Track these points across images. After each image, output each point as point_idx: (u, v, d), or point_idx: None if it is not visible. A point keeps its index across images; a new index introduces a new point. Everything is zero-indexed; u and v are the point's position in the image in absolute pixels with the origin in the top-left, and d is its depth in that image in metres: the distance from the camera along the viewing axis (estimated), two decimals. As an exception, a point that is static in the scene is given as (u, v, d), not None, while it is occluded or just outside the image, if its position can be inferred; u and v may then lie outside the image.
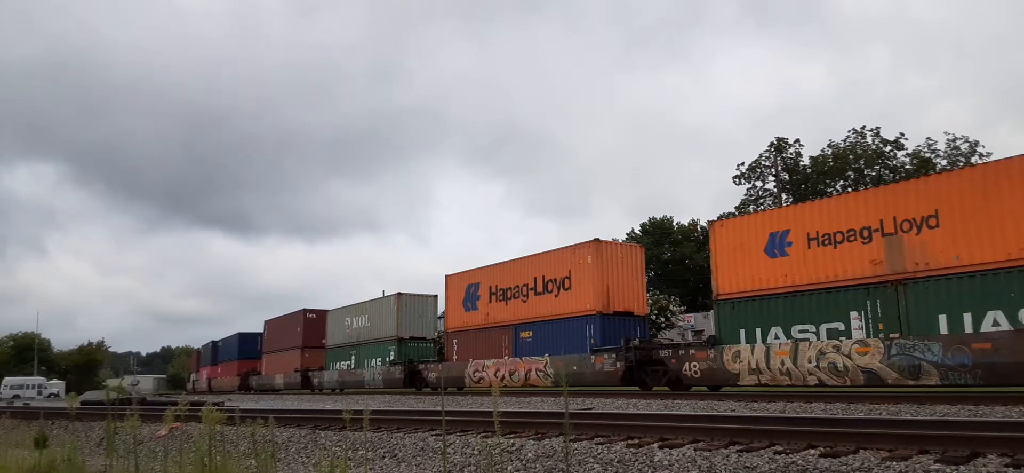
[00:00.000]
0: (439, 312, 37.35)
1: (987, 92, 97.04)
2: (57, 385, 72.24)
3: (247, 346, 57.61)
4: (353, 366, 39.32)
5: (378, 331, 37.59)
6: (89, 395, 37.58)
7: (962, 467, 6.17)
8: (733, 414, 11.47)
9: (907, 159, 54.48)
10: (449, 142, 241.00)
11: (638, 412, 13.09)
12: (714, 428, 8.89)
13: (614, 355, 24.24)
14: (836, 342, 18.58)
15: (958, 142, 52.90)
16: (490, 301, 30.10)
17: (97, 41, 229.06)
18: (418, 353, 36.06)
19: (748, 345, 20.44)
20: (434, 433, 11.16)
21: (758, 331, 20.41)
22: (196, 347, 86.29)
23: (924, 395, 15.44)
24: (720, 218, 54.08)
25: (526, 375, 27.53)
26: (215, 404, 10.47)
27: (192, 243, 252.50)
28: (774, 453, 7.47)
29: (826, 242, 19.29)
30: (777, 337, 19.94)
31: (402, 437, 11.24)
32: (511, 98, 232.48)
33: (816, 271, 19.38)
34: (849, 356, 18.15)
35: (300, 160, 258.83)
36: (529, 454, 8.94)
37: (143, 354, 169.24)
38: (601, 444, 8.90)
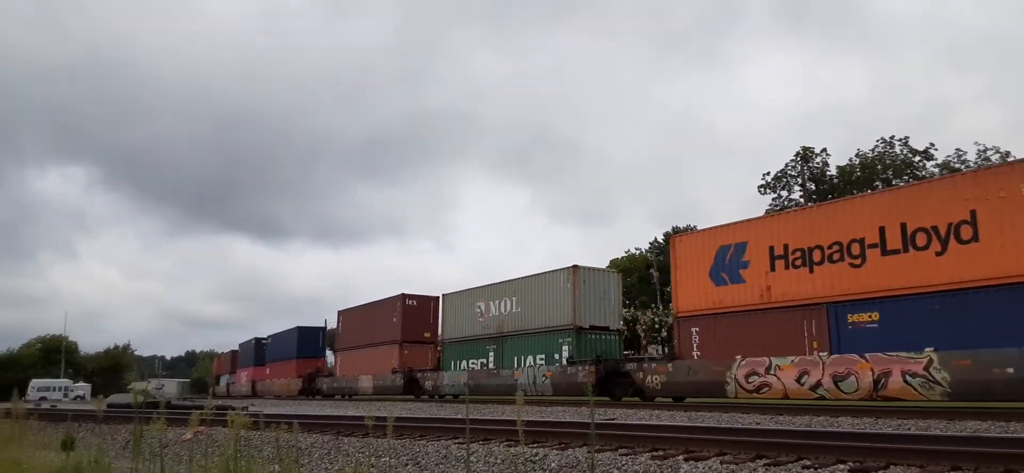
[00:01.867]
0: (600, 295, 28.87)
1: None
2: (83, 388, 73.10)
3: (308, 342, 51.19)
4: (492, 365, 30.70)
5: (537, 318, 28.85)
6: (115, 398, 38.06)
7: (997, 485, 6.04)
8: (759, 427, 11.33)
9: (937, 169, 53.77)
10: (476, 147, 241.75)
11: (662, 423, 12.99)
12: (740, 441, 8.78)
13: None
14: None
15: (989, 152, 52.16)
16: (771, 269, 20.52)
17: (130, 46, 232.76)
18: (603, 348, 27.61)
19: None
20: (457, 441, 11.13)
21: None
22: (219, 352, 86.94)
23: (953, 410, 15.19)
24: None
25: (879, 382, 17.27)
26: (241, 409, 10.53)
27: (218, 247, 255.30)
28: (802, 467, 7.36)
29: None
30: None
31: (425, 445, 11.23)
32: (540, 103, 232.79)
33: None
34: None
35: (329, 164, 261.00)
36: (553, 464, 8.88)
37: (168, 358, 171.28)
38: (625, 455, 8.82)
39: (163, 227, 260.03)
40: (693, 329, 22.24)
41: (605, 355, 26.75)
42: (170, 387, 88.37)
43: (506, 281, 31.30)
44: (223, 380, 73.80)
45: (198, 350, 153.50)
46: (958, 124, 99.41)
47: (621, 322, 29.11)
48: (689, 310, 22.48)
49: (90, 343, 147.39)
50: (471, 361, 32.16)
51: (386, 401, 34.45)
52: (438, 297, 37.76)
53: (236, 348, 70.42)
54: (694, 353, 22.06)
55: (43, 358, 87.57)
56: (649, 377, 23.18)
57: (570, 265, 28.09)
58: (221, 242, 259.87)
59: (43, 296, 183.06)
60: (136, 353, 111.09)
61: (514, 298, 30.38)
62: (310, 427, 14.06)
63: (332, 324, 50.30)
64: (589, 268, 28.59)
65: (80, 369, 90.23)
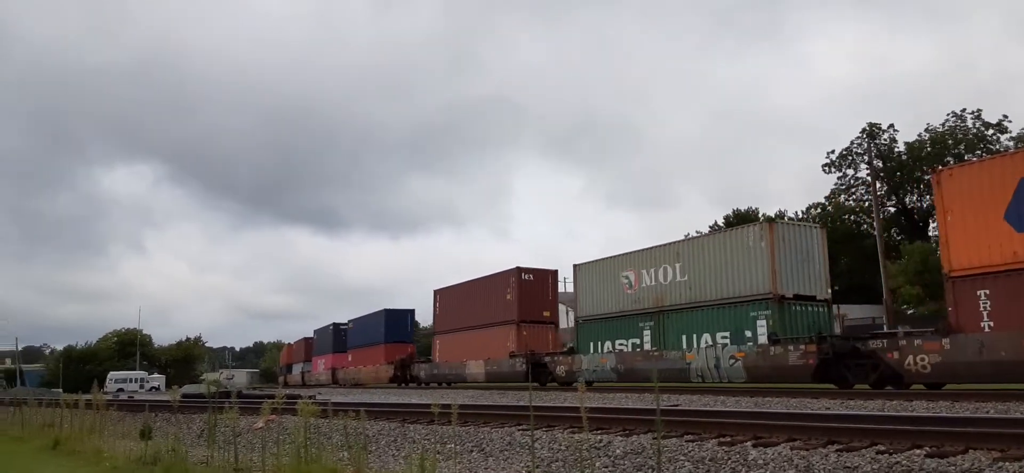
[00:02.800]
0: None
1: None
2: (158, 379, 75.72)
3: (397, 325, 48.15)
4: (649, 345, 25.64)
5: (715, 287, 23.76)
6: (187, 388, 39.33)
7: (1086, 470, 5.78)
8: (829, 412, 11.08)
9: (1011, 143, 51.62)
10: (527, 133, 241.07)
11: (728, 409, 12.81)
12: (810, 427, 8.59)
13: None
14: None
15: (1068, 123, 49.91)
16: None
17: (187, 45, 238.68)
18: (809, 321, 22.27)
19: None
20: (521, 428, 11.18)
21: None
22: (287, 342, 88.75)
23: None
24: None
25: None
26: (309, 397, 10.75)
27: (280, 240, 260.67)
28: (876, 453, 7.17)
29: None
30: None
31: (489, 431, 11.31)
32: (589, 87, 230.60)
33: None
34: None
35: (381, 154, 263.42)
36: (617, 450, 8.85)
37: (237, 349, 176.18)
38: (691, 441, 8.73)
39: (227, 221, 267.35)
40: (980, 292, 16.94)
41: (824, 331, 21.86)
42: (240, 377, 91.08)
43: (665, 245, 26.54)
44: (296, 369, 72.07)
45: (265, 341, 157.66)
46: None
47: (829, 290, 23.51)
48: (970, 267, 17.23)
49: (162, 336, 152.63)
50: (618, 342, 27.07)
51: (518, 390, 29.16)
52: (555, 271, 35.17)
53: (311, 335, 68.38)
54: (984, 324, 16.78)
55: (119, 351, 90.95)
56: (911, 357, 18.12)
57: (762, 220, 25.58)
58: (282, 234, 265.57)
59: (116, 290, 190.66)
60: (206, 345, 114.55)
61: (677, 265, 25.12)
62: (376, 415, 14.29)
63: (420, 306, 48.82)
64: (788, 222, 25.69)
65: (154, 361, 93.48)
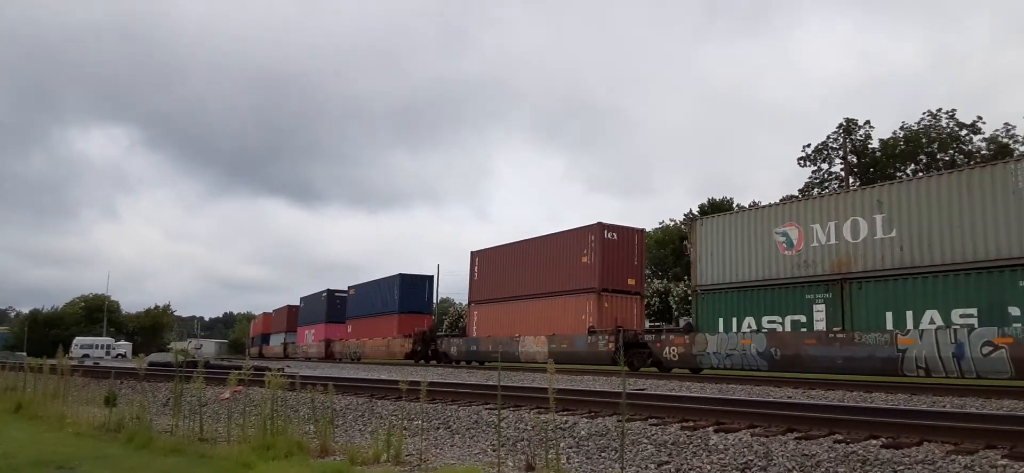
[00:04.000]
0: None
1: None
2: (124, 346, 75.04)
3: (413, 293, 42.47)
4: (824, 324, 19.66)
5: (944, 246, 17.62)
6: (155, 357, 39.03)
7: (1033, 465, 5.96)
8: (790, 400, 11.28)
9: (983, 144, 52.48)
10: (513, 114, 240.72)
11: (693, 395, 12.99)
12: (771, 414, 8.76)
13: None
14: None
15: (1038, 128, 50.70)
16: None
17: (171, 8, 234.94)
18: None
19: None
20: (488, 407, 11.26)
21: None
22: (256, 313, 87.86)
23: (990, 389, 14.93)
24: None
25: None
26: (278, 370, 10.74)
27: (256, 210, 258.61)
28: (834, 442, 7.33)
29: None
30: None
31: (457, 409, 11.38)
32: (579, 69, 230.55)
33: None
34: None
35: (365, 129, 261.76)
36: (582, 432, 8.96)
37: (206, 318, 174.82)
38: (655, 425, 8.86)
39: (203, 189, 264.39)
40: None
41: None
42: (208, 347, 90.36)
43: (857, 190, 22.14)
44: (275, 340, 67.18)
45: (235, 312, 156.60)
46: (1016, 96, 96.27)
47: None
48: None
49: (131, 303, 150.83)
50: (770, 319, 21.02)
51: (605, 374, 23.45)
52: (642, 230, 30.02)
53: (297, 303, 62.40)
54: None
55: (86, 316, 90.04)
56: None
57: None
58: (258, 205, 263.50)
59: (86, 255, 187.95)
60: (176, 313, 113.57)
61: (878, 217, 19.02)
62: (344, 389, 14.31)
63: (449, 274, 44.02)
64: None
65: (121, 328, 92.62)
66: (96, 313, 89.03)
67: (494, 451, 8.35)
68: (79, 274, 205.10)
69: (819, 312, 19.93)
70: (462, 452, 8.74)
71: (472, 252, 35.88)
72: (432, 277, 43.36)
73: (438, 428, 10.39)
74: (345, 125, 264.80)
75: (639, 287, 28.92)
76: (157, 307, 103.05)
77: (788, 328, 20.51)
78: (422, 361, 38.50)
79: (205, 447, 8.57)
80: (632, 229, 29.47)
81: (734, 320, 22.00)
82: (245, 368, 10.15)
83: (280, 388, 9.05)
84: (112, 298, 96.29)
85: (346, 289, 51.06)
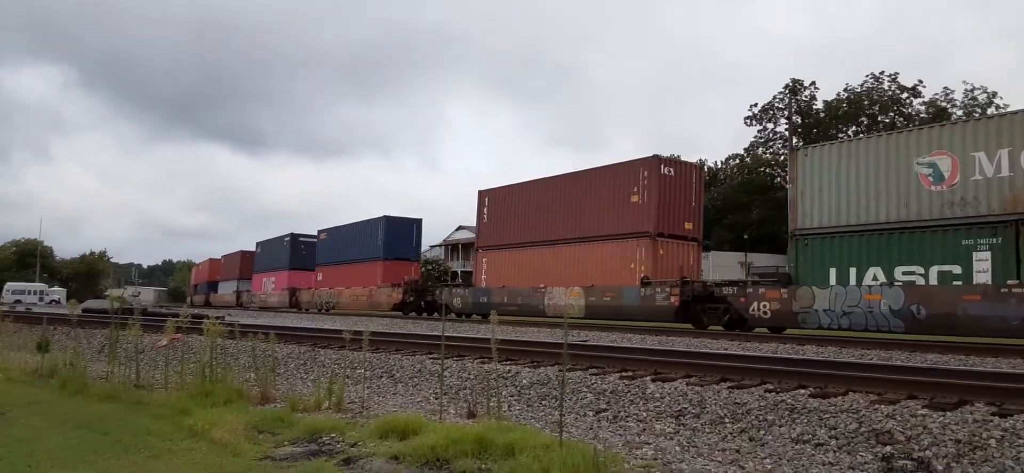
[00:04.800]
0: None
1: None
2: (58, 292, 72.97)
3: (398, 238, 38.25)
4: (988, 276, 15.80)
5: None
6: (90, 304, 38.10)
7: (949, 413, 6.27)
8: (726, 353, 11.61)
9: (923, 107, 53.97)
10: (467, 66, 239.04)
11: (633, 345, 13.26)
12: (706, 365, 9.01)
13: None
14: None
15: (976, 92, 52.31)
16: None
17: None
18: None
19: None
20: (432, 356, 11.32)
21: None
22: (196, 262, 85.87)
23: (915, 343, 15.55)
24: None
25: None
26: (217, 318, 10.61)
27: (198, 156, 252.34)
28: (765, 391, 7.59)
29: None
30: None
31: (400, 358, 11.41)
32: (537, 21, 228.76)
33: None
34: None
35: (316, 77, 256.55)
36: (524, 381, 9.09)
37: (145, 266, 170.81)
38: (595, 375, 9.03)
39: (142, 132, 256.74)
40: None
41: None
42: (147, 295, 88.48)
43: None
44: (225, 287, 62.21)
45: (175, 260, 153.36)
46: (964, 62, 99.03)
47: None
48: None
49: (66, 249, 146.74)
50: (906, 270, 17.15)
51: (678, 334, 19.56)
52: (700, 164, 26.56)
53: (251, 249, 57.50)
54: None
55: (17, 262, 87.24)
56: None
57: None
58: (200, 151, 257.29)
59: (18, 199, 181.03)
60: (112, 260, 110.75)
61: None
62: (286, 338, 14.21)
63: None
64: None
65: (55, 274, 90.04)
66: (28, 258, 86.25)
67: (437, 399, 8.43)
68: (10, 218, 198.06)
69: (982, 262, 15.99)
70: (405, 400, 8.79)
71: (480, 191, 31.63)
72: (420, 220, 39.47)
73: (381, 377, 10.42)
74: (294, 70, 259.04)
75: (697, 232, 24.91)
76: (93, 253, 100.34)
77: (934, 281, 16.55)
78: (413, 314, 34.83)
79: (142, 394, 8.45)
80: (689, 164, 26.08)
81: (852, 271, 17.96)
82: (183, 315, 9.99)
83: (219, 336, 8.94)
84: (45, 243, 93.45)
85: (315, 233, 46.79)
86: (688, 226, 24.42)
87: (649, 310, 22.70)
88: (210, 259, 69.92)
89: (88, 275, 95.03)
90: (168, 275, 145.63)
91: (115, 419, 7.05)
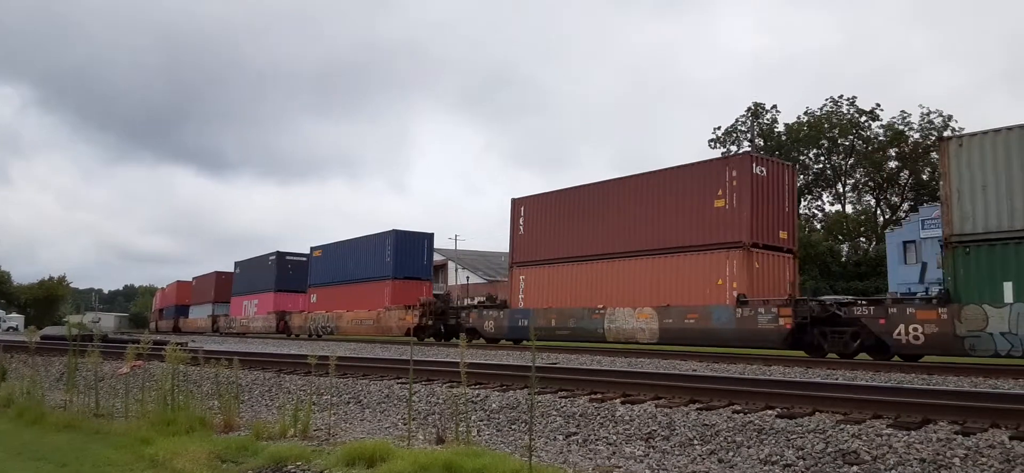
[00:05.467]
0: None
1: (990, 56, 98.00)
2: (16, 318, 71.26)
3: (410, 254, 34.63)
4: None
5: None
6: (49, 330, 37.21)
7: (914, 432, 6.34)
8: (694, 373, 11.66)
9: (881, 130, 55.11)
10: (438, 84, 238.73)
11: (603, 368, 13.27)
12: (675, 387, 9.04)
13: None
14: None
15: (932, 116, 53.56)
16: None
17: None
18: None
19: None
20: (400, 382, 11.21)
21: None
22: (160, 286, 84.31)
23: (880, 364, 15.77)
24: None
25: None
26: (179, 344, 10.42)
27: (160, 178, 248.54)
28: (733, 412, 7.63)
29: None
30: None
31: (367, 383, 11.28)
32: (504, 41, 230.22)
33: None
34: None
35: (280, 95, 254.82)
36: (494, 405, 9.03)
37: (105, 291, 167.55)
38: (565, 398, 9.01)
39: (102, 154, 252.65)
40: None
41: None
42: (107, 321, 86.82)
43: None
44: (198, 311, 58.14)
45: (137, 284, 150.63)
46: (922, 81, 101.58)
47: None
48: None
49: (24, 273, 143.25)
50: None
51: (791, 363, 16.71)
52: (793, 166, 23.89)
53: (228, 269, 53.59)
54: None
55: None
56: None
57: None
58: (163, 173, 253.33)
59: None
60: (72, 285, 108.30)
61: None
62: (251, 364, 13.98)
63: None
64: None
65: (12, 300, 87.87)
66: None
67: (405, 425, 8.34)
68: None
69: None
70: (372, 426, 8.68)
71: (514, 200, 27.67)
72: (432, 235, 35.81)
73: (349, 403, 10.29)
74: (258, 89, 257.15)
75: (792, 243, 21.69)
76: (51, 278, 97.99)
77: None
78: (430, 339, 30.55)
79: (101, 423, 8.24)
80: (783, 163, 22.84)
81: None
82: (144, 342, 9.78)
83: (181, 363, 8.77)
84: (3, 268, 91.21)
85: (307, 251, 42.84)
86: (783, 235, 21.20)
87: (749, 334, 19.37)
88: (178, 281, 66.36)
89: (47, 301, 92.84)
90: (130, 300, 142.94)
91: (74, 449, 6.86)
